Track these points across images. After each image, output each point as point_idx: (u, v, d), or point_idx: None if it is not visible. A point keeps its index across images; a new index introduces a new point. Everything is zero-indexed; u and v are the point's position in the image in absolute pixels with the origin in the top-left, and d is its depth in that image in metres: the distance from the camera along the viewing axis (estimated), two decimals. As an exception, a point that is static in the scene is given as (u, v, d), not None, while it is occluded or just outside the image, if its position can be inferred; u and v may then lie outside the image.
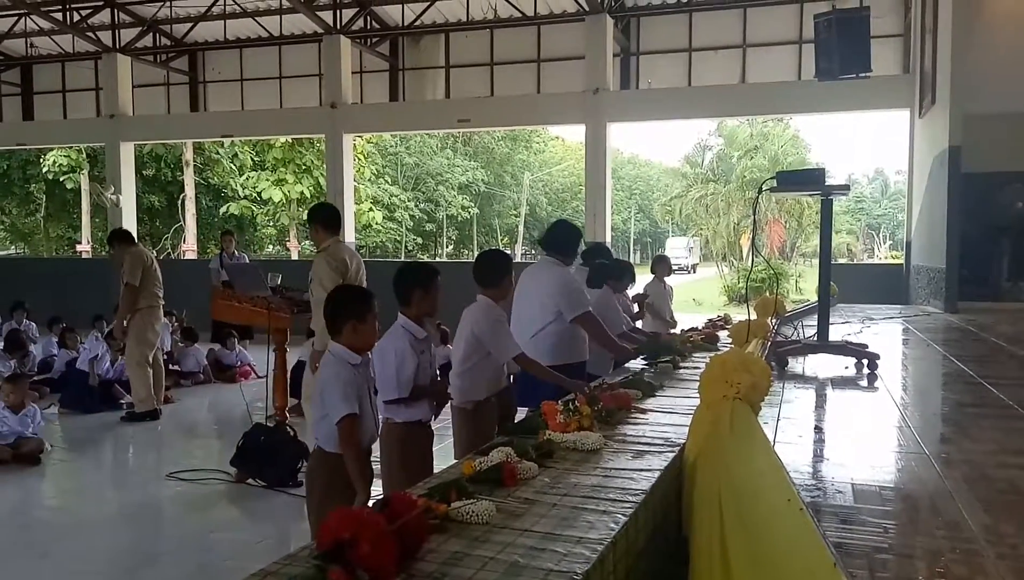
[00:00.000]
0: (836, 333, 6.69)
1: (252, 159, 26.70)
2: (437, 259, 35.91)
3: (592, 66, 14.72)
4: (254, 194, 26.71)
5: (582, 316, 4.58)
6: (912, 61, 13.55)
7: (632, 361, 4.72)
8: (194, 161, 25.37)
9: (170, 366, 9.57)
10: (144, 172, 24.92)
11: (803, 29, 14.47)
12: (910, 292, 13.24)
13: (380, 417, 3.33)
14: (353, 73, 16.65)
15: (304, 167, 25.85)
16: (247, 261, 10.83)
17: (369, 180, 29.84)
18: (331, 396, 2.94)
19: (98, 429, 7.63)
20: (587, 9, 14.73)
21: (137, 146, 20.01)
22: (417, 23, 16.54)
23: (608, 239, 14.67)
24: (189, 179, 25.14)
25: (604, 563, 1.84)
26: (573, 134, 42.49)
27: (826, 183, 5.51)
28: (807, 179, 5.89)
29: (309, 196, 25.68)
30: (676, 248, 43.28)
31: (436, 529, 1.92)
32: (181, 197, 25.90)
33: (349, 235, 16.02)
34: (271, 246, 31.91)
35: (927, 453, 3.47)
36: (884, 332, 8.19)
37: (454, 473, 2.40)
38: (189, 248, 24.51)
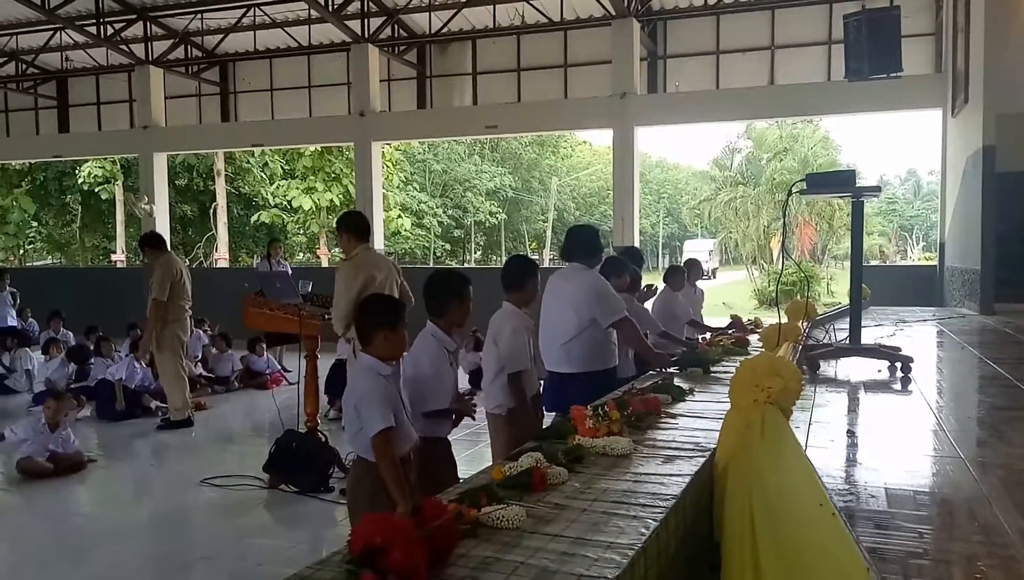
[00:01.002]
0: (868, 336, 6.62)
1: (282, 168, 26.99)
2: (465, 265, 35.99)
3: (619, 70, 14.70)
4: (284, 202, 26.99)
5: (619, 321, 4.52)
6: (944, 60, 13.36)
7: (668, 368, 4.66)
8: (225, 170, 25.69)
9: (202, 373, 9.71)
10: (177, 182, 25.30)
11: (832, 30, 14.33)
12: (944, 294, 13.04)
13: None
14: (381, 81, 16.79)
15: (333, 175, 26.09)
16: (289, 270, 10.98)
17: (397, 187, 30.03)
18: (366, 410, 2.92)
19: (133, 437, 7.77)
20: (613, 13, 14.72)
21: (170, 157, 20.35)
22: (444, 31, 16.63)
23: (636, 243, 14.63)
24: (220, 188, 25.45)
25: (635, 568, 1.84)
26: (601, 138, 42.53)
27: (857, 184, 5.47)
28: (837, 181, 5.85)
29: (339, 204, 25.90)
30: (696, 250, 39.92)
31: (467, 534, 1.93)
32: (213, 206, 26.25)
33: (378, 242, 16.12)
34: (301, 254, 32.20)
35: (962, 457, 3.42)
36: (917, 335, 8.08)
37: (484, 478, 2.42)
38: (221, 256, 24.81)
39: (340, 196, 25.88)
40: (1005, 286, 10.16)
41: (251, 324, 6.26)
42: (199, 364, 9.88)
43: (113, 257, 26.80)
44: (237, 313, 6.36)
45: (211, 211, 26.53)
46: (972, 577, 2.21)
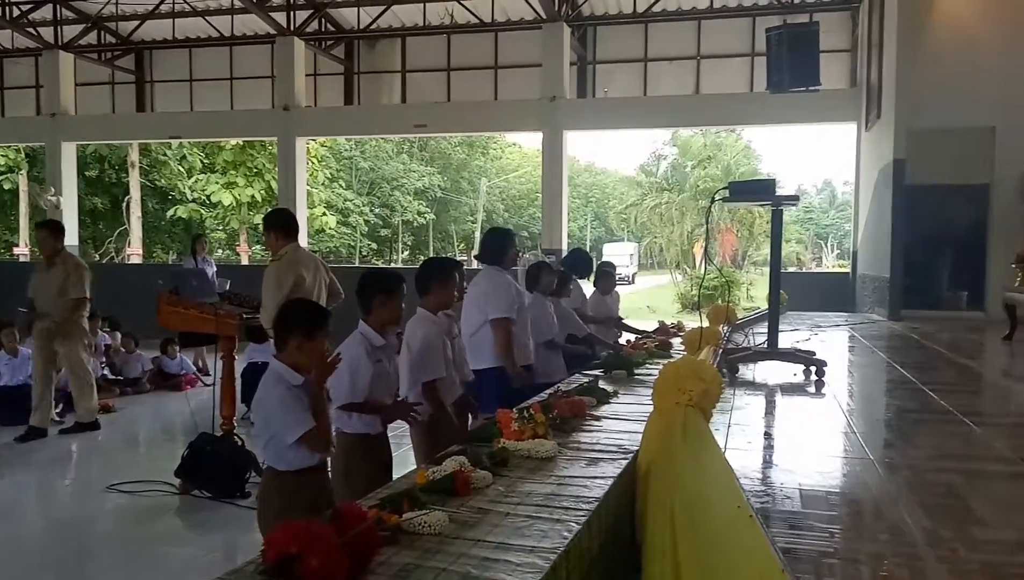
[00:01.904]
0: (785, 340, 6.82)
1: (201, 161, 26.24)
2: (392, 265, 35.67)
3: (549, 74, 14.80)
4: (203, 197, 26.24)
5: (495, 320, 4.58)
6: (859, 76, 13.89)
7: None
8: (140, 163, 24.83)
9: (106, 374, 9.30)
10: (87, 173, 24.30)
11: (755, 42, 14.74)
12: (856, 300, 13.55)
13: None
14: (307, 76, 16.51)
15: (255, 170, 25.48)
16: (215, 267, 10.63)
17: (323, 184, 29.54)
18: (278, 422, 2.83)
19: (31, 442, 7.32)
20: (544, 17, 14.81)
21: (79, 146, 19.55)
22: (373, 26, 16.45)
23: (564, 246, 14.75)
24: (134, 181, 24.58)
25: (557, 572, 1.84)
26: (530, 141, 42.69)
27: (776, 193, 5.61)
28: (758, 189, 6.00)
29: (260, 200, 25.32)
30: (617, 254, 39.81)
31: (387, 541, 1.90)
32: (126, 200, 25.32)
33: (302, 240, 15.79)
34: (221, 251, 31.36)
35: (871, 458, 3.54)
36: (831, 339, 8.37)
37: (407, 483, 2.38)
38: (134, 252, 23.96)
39: (262, 192, 25.29)
40: (912, 293, 10.63)
41: (165, 323, 6.03)
42: (106, 366, 9.47)
43: (15, 250, 25.56)
44: (151, 311, 6.11)
45: (124, 204, 25.58)
46: (879, 575, 2.28)
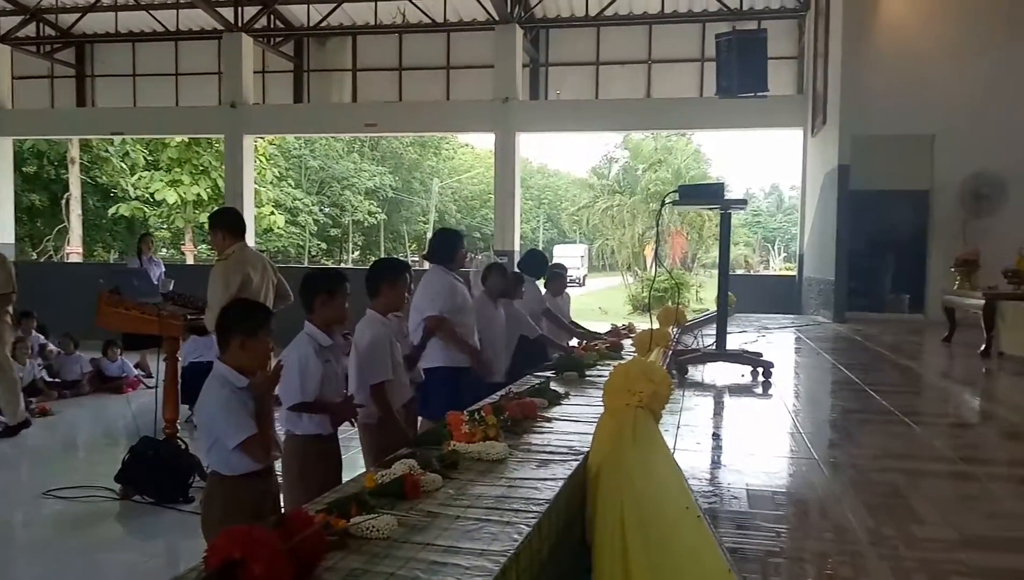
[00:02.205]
0: (733, 342, 6.92)
1: (145, 158, 25.59)
2: (342, 265, 35.32)
3: (501, 75, 14.80)
4: (146, 195, 25.61)
5: (427, 318, 4.57)
6: (805, 83, 14.17)
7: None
8: (80, 159, 24.10)
9: (43, 377, 9.03)
10: (24, 169, 23.53)
11: (705, 48, 14.93)
12: (802, 302, 13.82)
13: (281, 431, 3.21)
14: (255, 73, 16.24)
15: (201, 168, 24.95)
16: (163, 267, 10.37)
17: (271, 183, 29.07)
18: (222, 424, 2.77)
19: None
20: (496, 18, 14.81)
21: (16, 141, 18.96)
22: (323, 24, 16.26)
23: (516, 248, 14.76)
24: (75, 178, 23.85)
25: (507, 575, 1.83)
26: (483, 142, 42.64)
27: (725, 197, 5.68)
28: (708, 193, 6.08)
29: (206, 198, 24.82)
30: (567, 256, 38.15)
31: (335, 546, 1.86)
32: (66, 197, 24.56)
33: (250, 239, 15.53)
34: (165, 250, 30.66)
35: (816, 458, 3.60)
36: (778, 341, 8.52)
37: (355, 487, 2.34)
38: (74, 250, 23.27)
39: (208, 190, 24.79)
40: (856, 296, 10.90)
41: (105, 324, 5.85)
42: (43, 368, 9.18)
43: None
44: (91, 312, 5.93)
45: (63, 201, 24.84)
46: (823, 574, 2.31)
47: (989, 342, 6.99)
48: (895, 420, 4.47)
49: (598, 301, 26.12)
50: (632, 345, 5.86)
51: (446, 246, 4.91)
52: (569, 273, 8.00)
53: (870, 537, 2.57)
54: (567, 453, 2.84)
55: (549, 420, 3.37)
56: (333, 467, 3.40)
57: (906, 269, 11.00)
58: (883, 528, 2.65)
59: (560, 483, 2.48)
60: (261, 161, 24.70)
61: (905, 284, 11.09)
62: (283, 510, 2.96)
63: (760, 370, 5.76)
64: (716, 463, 3.64)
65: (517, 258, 14.55)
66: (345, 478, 2.83)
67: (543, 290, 6.68)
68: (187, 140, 24.04)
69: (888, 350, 7.74)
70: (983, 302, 7.06)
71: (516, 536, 2.00)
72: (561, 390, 3.98)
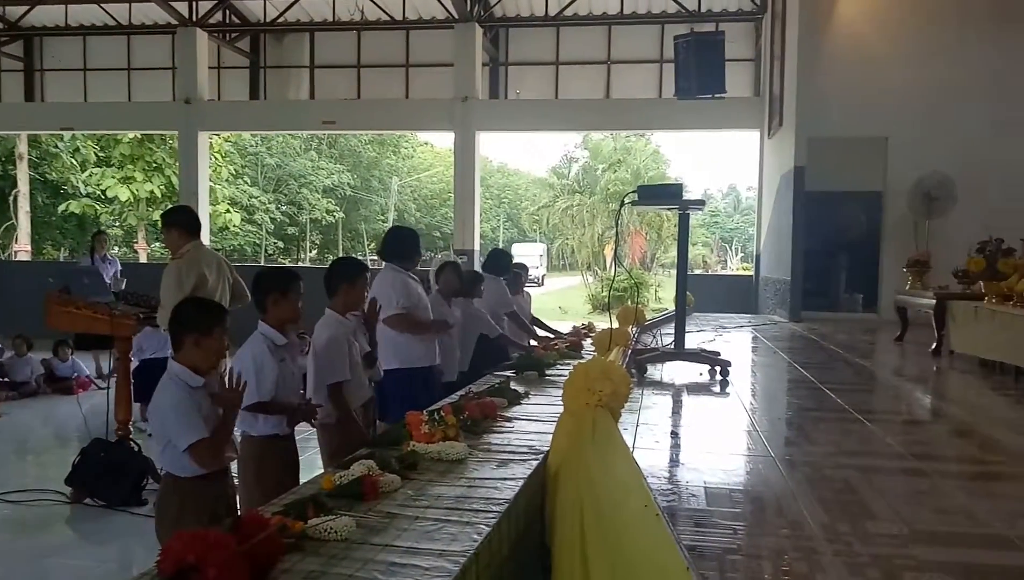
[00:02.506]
0: (692, 341, 6.99)
1: (96, 154, 25.04)
2: (300, 264, 34.94)
3: (461, 74, 14.77)
4: (98, 192, 25.05)
5: (385, 319, 4.51)
6: (762, 85, 14.38)
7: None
8: (29, 155, 23.49)
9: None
10: (-32, 165, 22.92)
11: (664, 49, 15.07)
12: (759, 302, 14.02)
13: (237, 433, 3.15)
14: (210, 68, 15.99)
15: (155, 165, 24.48)
16: (119, 266, 10.13)
17: (227, 180, 28.65)
18: (173, 425, 2.71)
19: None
20: (456, 16, 14.78)
21: (-37, 137, 18.47)
22: (280, 20, 16.07)
23: (476, 247, 14.74)
24: (23, 174, 23.20)
25: (466, 575, 1.82)
26: (442, 141, 42.51)
27: (683, 198, 5.73)
28: (666, 193, 6.12)
29: (160, 196, 24.37)
30: (526, 255, 35.45)
31: (291, 548, 1.84)
32: (13, 193, 23.91)
33: (205, 238, 15.28)
34: (117, 248, 30.01)
35: (773, 456, 3.65)
36: (735, 340, 8.63)
37: (312, 488, 2.31)
38: (22, 248, 22.66)
39: (162, 187, 24.33)
40: (811, 296, 11.09)
41: (55, 324, 5.71)
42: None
43: None
44: (40, 311, 5.78)
45: (11, 198, 24.17)
46: (780, 570, 2.34)
47: (940, 341, 7.15)
48: (849, 418, 4.55)
49: (558, 301, 26.21)
50: (592, 344, 5.89)
51: (400, 244, 4.85)
52: (528, 272, 8.00)
53: (825, 533, 2.61)
54: (527, 453, 2.84)
55: (509, 420, 3.37)
56: (290, 468, 3.35)
57: (860, 269, 11.22)
58: (838, 524, 2.69)
59: (520, 483, 2.47)
60: (216, 158, 24.36)
61: (859, 284, 11.32)
62: (239, 512, 2.91)
63: (718, 369, 5.82)
64: (674, 461, 3.66)
65: (478, 257, 14.56)
66: (303, 479, 2.79)
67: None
68: (140, 136, 23.58)
69: (842, 349, 7.88)
70: (934, 302, 7.22)
71: (476, 536, 2.00)
72: (521, 390, 3.98)
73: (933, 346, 7.19)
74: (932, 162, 10.04)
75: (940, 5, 10.57)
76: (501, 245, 52.35)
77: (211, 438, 2.70)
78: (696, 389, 5.53)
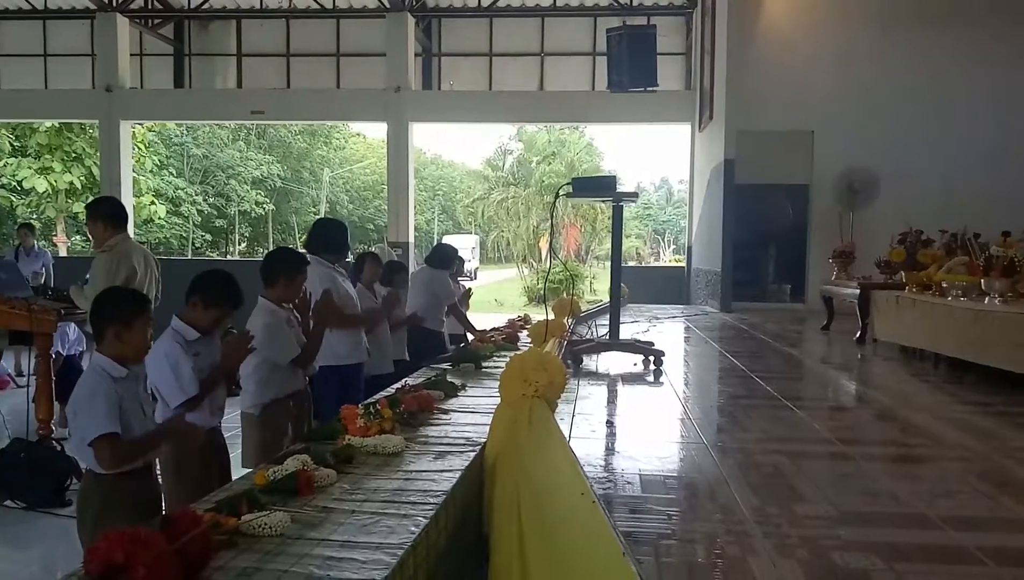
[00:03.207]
0: (626, 332, 7.08)
1: (11, 144, 23.99)
2: (228, 257, 34.18)
3: (393, 64, 14.63)
4: (13, 183, 24.02)
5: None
6: (693, 79, 14.62)
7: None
8: (-62, 144, 22.46)
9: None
10: None
11: (597, 42, 15.19)
12: (691, 293, 14.29)
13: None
14: (132, 55, 15.47)
15: (74, 155, 23.56)
16: (50, 258, 9.68)
17: (151, 171, 27.79)
18: (84, 413, 2.62)
19: None
20: (388, 6, 14.62)
21: None
22: (205, 6, 15.65)
23: (411, 239, 14.64)
24: (-68, 164, 22.21)
25: (404, 567, 1.81)
26: (375, 131, 41.99)
27: (617, 190, 5.79)
28: (600, 186, 6.18)
29: (80, 187, 23.48)
30: (459, 247, 37.55)
31: (224, 545, 1.79)
32: (-78, 184, 22.84)
33: (128, 231, 14.83)
34: (35, 242, 28.88)
35: (705, 443, 3.72)
36: (668, 330, 8.77)
37: (245, 484, 2.26)
38: (-66, 240, 21.65)
39: (82, 178, 23.44)
40: (741, 286, 11.34)
41: (-31, 318, 5.46)
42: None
43: None
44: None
45: (-79, 190, 23.07)
46: (713, 553, 2.39)
47: (864, 329, 7.39)
48: (778, 405, 4.68)
49: (494, 293, 26.25)
50: (528, 336, 5.91)
51: (327, 237, 4.78)
52: (464, 264, 8.00)
53: (756, 516, 2.68)
54: (464, 444, 2.83)
55: (446, 412, 3.35)
56: (217, 463, 3.29)
57: (788, 260, 11.53)
58: (768, 507, 2.76)
59: (457, 474, 2.46)
60: (140, 148, 23.58)
61: (787, 274, 11.64)
62: (164, 510, 2.84)
63: (652, 359, 5.91)
64: (610, 450, 3.71)
65: (412, 249, 14.47)
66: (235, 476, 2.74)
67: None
68: (58, 125, 22.68)
69: (771, 338, 8.09)
70: (858, 291, 7.46)
71: (413, 528, 1.98)
72: (458, 382, 3.96)
73: (857, 334, 7.43)
74: (856, 156, 10.37)
75: (864, 5, 10.92)
76: (436, 237, 52.08)
77: (115, 435, 2.60)
78: (631, 379, 5.61)
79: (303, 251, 4.46)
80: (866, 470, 3.35)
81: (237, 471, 3.19)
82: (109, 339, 2.71)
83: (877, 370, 6.41)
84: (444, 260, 6.45)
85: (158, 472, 3.01)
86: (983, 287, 5.29)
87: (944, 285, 5.82)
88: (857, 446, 3.74)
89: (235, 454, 3.54)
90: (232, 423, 3.58)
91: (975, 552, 2.37)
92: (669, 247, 51.56)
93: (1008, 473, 3.24)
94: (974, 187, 9.91)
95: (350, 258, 6.67)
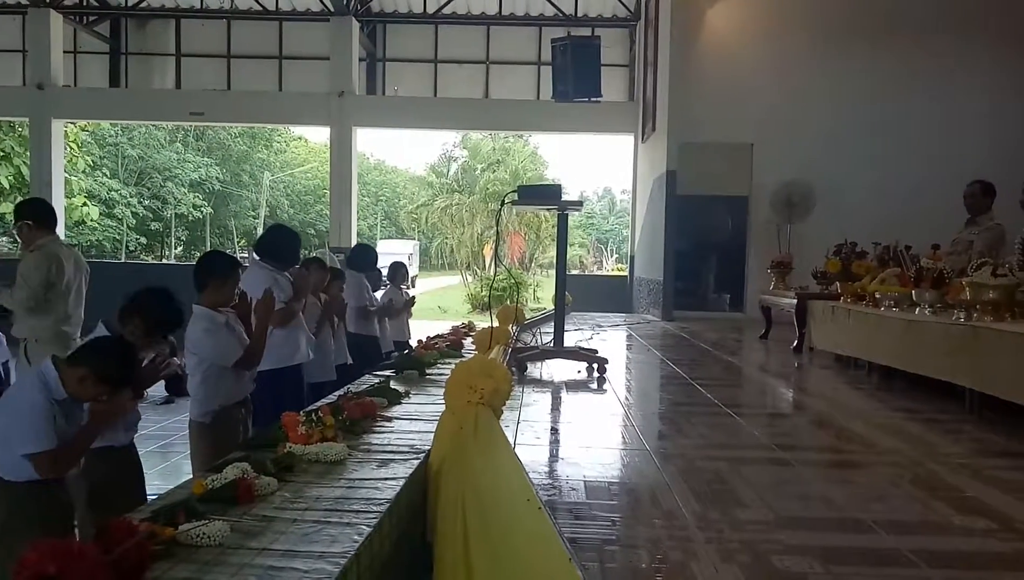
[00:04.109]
0: (570, 339, 7.11)
1: (-65, 141, 23.07)
2: (164, 261, 33.35)
3: (337, 68, 14.50)
4: (-63, 182, 23.08)
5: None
6: (636, 90, 14.82)
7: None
8: None
9: None
10: None
11: (542, 51, 15.29)
12: (633, 301, 14.45)
13: None
14: (65, 53, 15.03)
15: (2, 153, 22.76)
16: None
17: (84, 172, 27.01)
18: (18, 428, 2.56)
19: None
20: (332, 10, 14.48)
21: None
22: (143, 5, 15.30)
23: (353, 245, 14.49)
24: None
25: (347, 576, 1.78)
26: (317, 136, 41.57)
27: (563, 199, 5.83)
28: (546, 194, 6.20)
29: (9, 186, 22.67)
30: (395, 253, 30.56)
31: (161, 555, 1.74)
32: None
33: (59, 232, 14.37)
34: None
35: (648, 449, 3.76)
36: (611, 338, 8.85)
37: (182, 493, 2.20)
38: None
39: (10, 177, 22.62)
40: (682, 295, 11.52)
41: None
42: None
43: None
44: None
45: None
46: (656, 559, 2.41)
47: (801, 338, 7.56)
48: (719, 412, 4.75)
49: (437, 300, 26.13)
50: (472, 343, 5.89)
51: (279, 246, 4.75)
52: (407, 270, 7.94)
53: (697, 522, 2.71)
54: (408, 452, 2.81)
55: (389, 419, 3.32)
56: (131, 478, 3.24)
57: (727, 270, 11.75)
58: (709, 513, 2.80)
59: (401, 482, 2.44)
60: (72, 148, 22.89)
61: (726, 284, 11.85)
62: (75, 524, 2.80)
63: (595, 366, 5.94)
64: (555, 456, 3.72)
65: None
66: (165, 487, 2.66)
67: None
68: (-15, 122, 21.87)
69: (711, 346, 8.22)
70: (795, 301, 7.63)
71: (357, 537, 1.95)
72: (401, 389, 3.93)
73: (795, 343, 7.59)
74: (793, 168, 10.63)
75: (801, 20, 11.21)
76: (379, 243, 51.59)
77: (57, 450, 2.58)
78: (575, 386, 5.63)
79: (244, 255, 4.39)
80: (804, 475, 3.42)
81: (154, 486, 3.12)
82: (72, 377, 2.66)
83: (813, 378, 6.56)
84: (360, 262, 6.44)
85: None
86: (914, 298, 5.45)
87: (877, 296, 5.98)
88: (795, 452, 3.82)
89: (170, 463, 3.45)
90: (172, 430, 3.48)
91: (908, 555, 2.43)
92: (612, 256, 52.05)
93: (938, 478, 3.35)
94: (907, 201, 10.23)
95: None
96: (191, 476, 2.84)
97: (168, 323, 3.29)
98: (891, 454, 3.81)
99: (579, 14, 15.41)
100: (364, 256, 6.64)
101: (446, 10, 15.45)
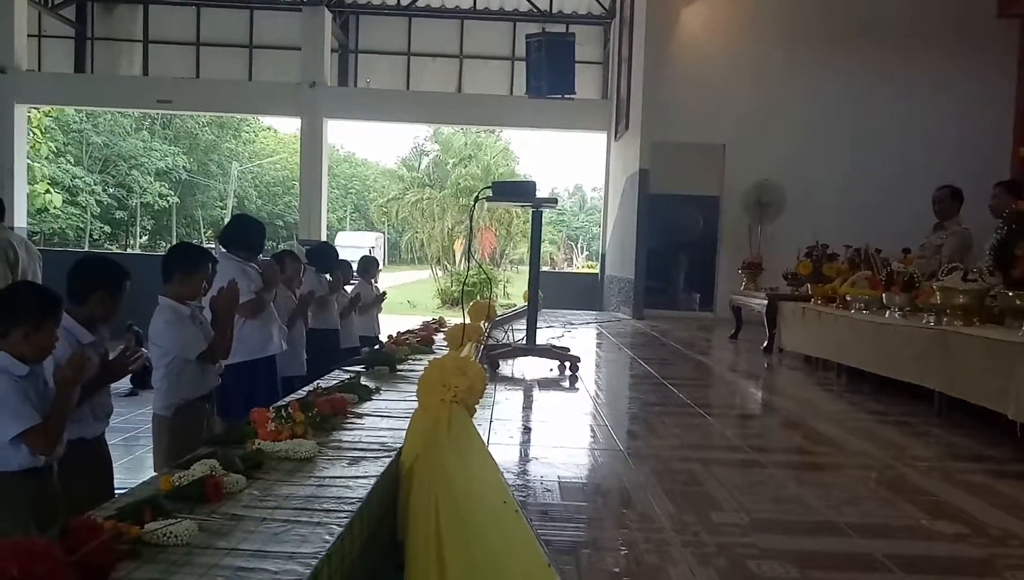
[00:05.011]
0: (541, 337, 7.08)
1: None
2: (129, 250, 32.80)
3: (309, 58, 14.35)
4: None
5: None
6: (610, 88, 14.84)
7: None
8: None
9: None
10: None
11: (516, 47, 15.25)
12: (604, 299, 14.49)
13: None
14: (30, 36, 14.70)
15: (-37, 138, 22.25)
16: None
17: (47, 158, 26.51)
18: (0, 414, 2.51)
19: None
20: (304, 0, 14.32)
21: None
22: (112, -11, 14.99)
23: (323, 237, 14.37)
24: None
25: (318, 577, 1.74)
26: (286, 126, 41.16)
27: (536, 196, 5.80)
28: (520, 191, 6.17)
29: (-31, 172, 22.16)
30: (354, 246, 29.21)
31: (127, 555, 1.68)
32: None
33: (20, 220, 14.08)
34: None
35: (622, 449, 3.73)
36: (582, 336, 8.85)
37: (149, 490, 2.13)
38: None
39: (-29, 163, 22.15)
40: (653, 294, 11.56)
41: None
42: None
43: None
44: None
45: None
46: (632, 561, 2.38)
47: (771, 339, 7.61)
48: (692, 412, 4.74)
49: (407, 294, 26.00)
50: (444, 340, 5.84)
51: (245, 235, 4.72)
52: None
53: (673, 524, 2.68)
54: (379, 450, 2.76)
55: (360, 416, 3.26)
56: (102, 471, 3.19)
57: (698, 270, 11.81)
58: (684, 515, 2.78)
59: (373, 480, 2.39)
60: (35, 134, 22.44)
61: (697, 284, 11.92)
62: (59, 515, 2.69)
63: (567, 364, 5.92)
64: (528, 457, 3.68)
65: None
66: (130, 482, 2.59)
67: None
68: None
69: (682, 346, 8.25)
70: (766, 302, 7.68)
71: (328, 537, 1.91)
72: (372, 385, 3.87)
73: (765, 344, 7.64)
74: (765, 169, 10.70)
75: (775, 24, 11.29)
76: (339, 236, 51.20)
77: (44, 423, 2.57)
78: (547, 384, 5.61)
79: (213, 246, 4.32)
80: (776, 477, 3.42)
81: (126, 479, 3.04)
82: (15, 338, 2.59)
83: (783, 379, 6.60)
84: (321, 260, 6.40)
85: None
86: (884, 301, 5.50)
87: (847, 298, 6.03)
88: (767, 453, 3.82)
89: (134, 457, 3.36)
90: (136, 423, 3.39)
91: (883, 560, 2.43)
92: (582, 253, 52.21)
93: (907, 481, 3.36)
94: (878, 204, 10.35)
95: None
96: (156, 472, 2.77)
97: (125, 275, 3.21)
98: (862, 456, 3.83)
99: (554, 10, 15.40)
100: (323, 258, 6.52)
101: (420, 3, 15.35)
